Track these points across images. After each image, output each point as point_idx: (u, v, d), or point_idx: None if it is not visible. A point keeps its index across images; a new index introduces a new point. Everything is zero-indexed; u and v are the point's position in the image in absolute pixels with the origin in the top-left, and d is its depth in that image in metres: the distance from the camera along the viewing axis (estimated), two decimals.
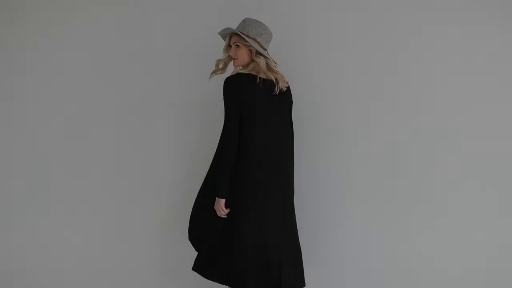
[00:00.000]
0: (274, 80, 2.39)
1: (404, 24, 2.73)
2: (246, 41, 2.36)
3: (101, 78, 3.06)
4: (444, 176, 2.71)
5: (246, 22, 2.41)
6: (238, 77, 2.36)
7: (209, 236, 2.39)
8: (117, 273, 3.05)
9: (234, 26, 2.45)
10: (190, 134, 2.97)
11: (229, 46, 2.43)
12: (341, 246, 2.82)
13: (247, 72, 2.37)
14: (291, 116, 2.55)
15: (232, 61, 2.44)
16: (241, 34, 2.36)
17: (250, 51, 2.38)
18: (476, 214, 2.68)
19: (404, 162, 2.75)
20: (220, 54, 2.54)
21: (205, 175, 2.46)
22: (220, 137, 2.33)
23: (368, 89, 2.77)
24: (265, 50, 2.41)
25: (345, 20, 2.79)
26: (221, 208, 2.33)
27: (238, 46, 2.38)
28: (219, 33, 2.47)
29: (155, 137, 3.01)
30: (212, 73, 2.48)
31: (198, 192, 2.46)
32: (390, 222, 2.76)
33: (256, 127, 2.33)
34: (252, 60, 2.40)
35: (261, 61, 2.37)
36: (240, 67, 2.42)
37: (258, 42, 2.37)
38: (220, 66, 2.49)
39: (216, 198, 2.33)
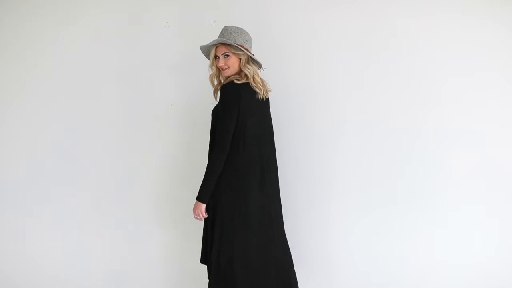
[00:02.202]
0: (261, 88, 2.42)
1: (394, 21, 2.74)
2: (235, 49, 2.36)
3: (102, 80, 3.06)
4: (439, 177, 2.71)
5: (228, 30, 2.40)
6: (237, 85, 2.35)
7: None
8: (118, 273, 3.06)
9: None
10: (190, 134, 2.97)
11: (214, 58, 2.42)
12: (335, 248, 2.84)
13: (243, 82, 2.37)
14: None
15: (221, 71, 2.43)
16: (232, 43, 2.35)
17: (239, 59, 2.39)
18: (475, 214, 2.69)
19: (399, 162, 2.75)
20: None
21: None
22: (215, 146, 2.32)
23: (368, 88, 2.77)
24: (253, 55, 2.43)
25: (341, 20, 2.80)
26: (202, 212, 2.36)
27: (227, 55, 2.39)
28: (202, 47, 2.46)
29: (156, 137, 3.01)
30: (215, 92, 2.51)
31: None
32: (384, 224, 2.77)
33: (251, 136, 2.37)
34: (240, 69, 2.41)
35: (251, 70, 2.39)
36: (237, 78, 2.40)
37: (246, 49, 2.39)
38: (216, 82, 2.50)
39: (197, 202, 2.36)
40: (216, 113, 2.40)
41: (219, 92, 2.47)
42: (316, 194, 2.82)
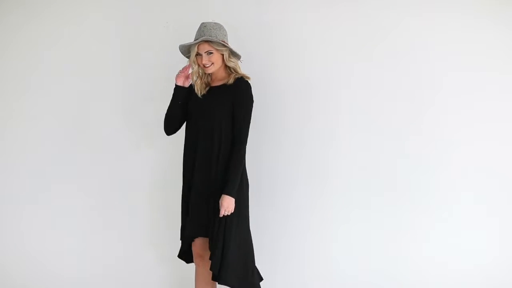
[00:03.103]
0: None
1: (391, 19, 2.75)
2: (218, 46, 2.36)
3: (102, 80, 3.06)
4: (438, 176, 2.71)
5: (208, 27, 2.38)
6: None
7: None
8: (117, 272, 3.06)
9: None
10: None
11: (196, 56, 2.40)
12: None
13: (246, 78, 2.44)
14: None
15: (204, 69, 2.41)
16: (216, 40, 2.35)
17: (222, 55, 2.40)
18: (474, 214, 2.69)
19: (397, 161, 2.75)
20: None
21: None
22: (243, 142, 2.37)
23: (367, 87, 2.77)
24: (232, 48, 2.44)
25: (338, 16, 2.81)
26: (232, 208, 2.33)
27: (211, 53, 2.37)
28: (182, 45, 2.44)
29: (156, 137, 3.01)
30: (195, 88, 2.48)
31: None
32: (382, 224, 2.77)
33: None
34: (224, 64, 2.42)
35: (235, 62, 2.43)
36: (237, 73, 2.43)
37: (226, 44, 2.40)
38: (197, 79, 2.47)
39: (231, 198, 2.32)
40: (225, 106, 2.39)
41: (199, 87, 2.44)
42: (311, 193, 2.82)
